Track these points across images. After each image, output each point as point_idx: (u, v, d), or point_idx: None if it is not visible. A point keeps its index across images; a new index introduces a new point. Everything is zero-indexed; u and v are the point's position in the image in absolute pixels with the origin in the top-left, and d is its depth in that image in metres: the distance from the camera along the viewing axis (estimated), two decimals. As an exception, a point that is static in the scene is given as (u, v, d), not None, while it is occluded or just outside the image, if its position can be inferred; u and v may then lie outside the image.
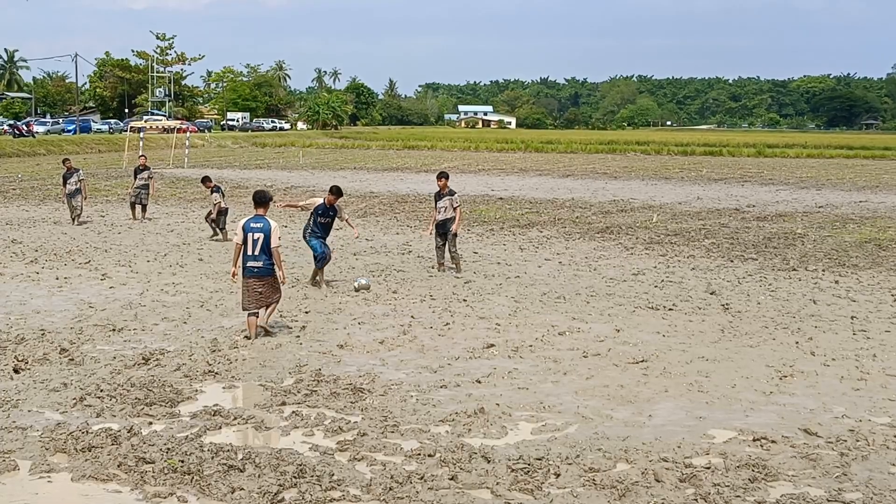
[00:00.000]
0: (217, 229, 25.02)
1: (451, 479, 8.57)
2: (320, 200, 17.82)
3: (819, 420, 10.49)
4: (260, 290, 13.86)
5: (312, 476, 8.53)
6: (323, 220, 17.84)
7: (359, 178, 49.97)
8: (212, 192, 25.68)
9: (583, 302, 16.98)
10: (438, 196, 19.80)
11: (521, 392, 11.44)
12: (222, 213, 25.14)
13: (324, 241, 17.78)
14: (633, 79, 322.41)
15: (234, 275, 14.26)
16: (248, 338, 13.77)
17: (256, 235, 13.74)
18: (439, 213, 19.69)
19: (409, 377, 12.01)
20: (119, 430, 9.65)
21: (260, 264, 13.80)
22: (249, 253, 13.80)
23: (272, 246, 13.77)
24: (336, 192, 17.89)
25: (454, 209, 19.57)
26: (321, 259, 17.76)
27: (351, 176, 52.10)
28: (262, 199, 14.24)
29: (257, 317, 13.89)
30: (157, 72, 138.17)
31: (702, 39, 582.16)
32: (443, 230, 19.68)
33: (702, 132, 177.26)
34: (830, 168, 66.13)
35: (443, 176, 19.97)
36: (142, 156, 31.79)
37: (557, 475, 8.70)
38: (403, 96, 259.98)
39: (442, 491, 8.30)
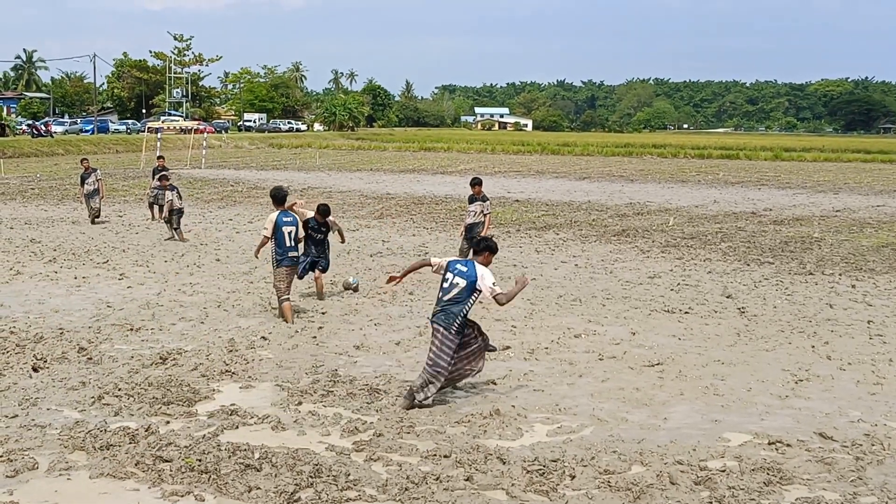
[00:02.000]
0: (172, 230, 25.05)
1: (467, 479, 8.61)
2: (311, 214, 17.14)
3: (834, 424, 10.49)
4: (294, 276, 15.58)
5: (329, 476, 8.57)
6: (315, 235, 16.75)
7: (375, 180, 50.05)
8: (166, 190, 25.63)
9: (599, 305, 16.99)
10: (472, 200, 19.86)
11: (537, 394, 11.47)
12: (175, 212, 25.08)
13: (309, 257, 16.93)
14: (650, 81, 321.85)
15: (256, 254, 16.34)
16: (286, 322, 15.02)
17: (289, 228, 15.18)
18: (469, 216, 19.75)
19: (425, 378, 12.04)
20: (137, 429, 9.71)
21: (297, 254, 15.51)
22: (288, 244, 15.18)
23: (301, 236, 15.60)
24: (323, 212, 16.78)
25: (484, 215, 19.59)
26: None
27: (367, 177, 52.19)
28: (283, 197, 15.49)
29: (291, 302, 15.27)
30: (175, 72, 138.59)
31: (719, 42, 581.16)
32: (470, 234, 19.70)
33: (719, 135, 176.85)
34: (848, 172, 65.92)
35: (476, 182, 20.04)
36: (160, 157, 31.94)
37: (573, 477, 8.72)
38: (420, 98, 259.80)
39: (457, 492, 8.33)
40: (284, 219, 15.23)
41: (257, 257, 16.61)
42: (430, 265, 11.29)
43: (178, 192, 25.61)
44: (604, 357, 13.24)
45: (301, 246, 15.92)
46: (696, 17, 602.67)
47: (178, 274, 19.43)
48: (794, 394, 11.67)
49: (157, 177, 28.68)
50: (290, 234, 15.18)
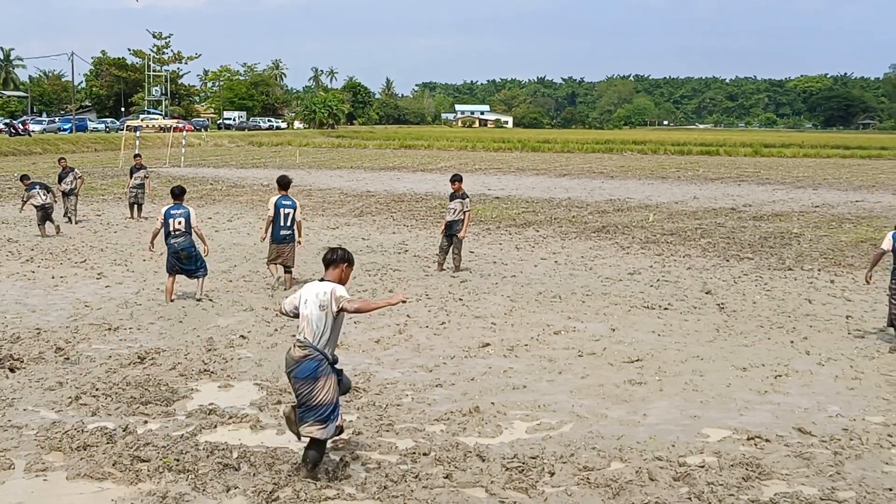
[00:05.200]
0: (39, 226, 25.19)
1: (446, 477, 8.59)
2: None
3: (813, 419, 10.52)
4: (287, 252, 17.55)
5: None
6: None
7: (355, 178, 49.96)
8: (28, 189, 25.65)
9: (578, 301, 17.00)
10: (452, 197, 19.83)
11: (517, 391, 11.46)
12: (41, 209, 25.17)
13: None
14: (630, 78, 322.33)
15: (263, 238, 18.34)
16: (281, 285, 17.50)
17: (287, 211, 17.42)
18: (449, 213, 19.71)
19: (405, 376, 12.04)
20: (114, 429, 9.66)
21: (290, 233, 17.52)
22: (282, 224, 17.38)
23: (298, 220, 17.66)
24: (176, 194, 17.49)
25: (464, 213, 19.56)
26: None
27: (347, 175, 52.09)
28: (287, 183, 17.80)
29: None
30: (154, 70, 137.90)
31: (699, 39, 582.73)
32: (450, 231, 19.67)
33: (699, 132, 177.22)
34: (827, 168, 66.20)
35: (456, 179, 19.99)
36: (137, 155, 31.81)
37: (552, 474, 8.72)
38: (400, 95, 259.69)
39: (436, 490, 8.31)
40: (284, 202, 17.49)
41: (266, 233, 17.95)
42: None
43: (45, 189, 25.57)
44: (583, 353, 13.24)
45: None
46: (676, 14, 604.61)
47: (157, 273, 19.32)
48: (773, 389, 11.71)
49: (20, 177, 28.83)
50: (286, 215, 17.44)
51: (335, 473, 8.56)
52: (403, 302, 8.66)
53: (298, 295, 8.75)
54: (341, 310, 8.45)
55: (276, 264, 17.84)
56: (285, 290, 17.34)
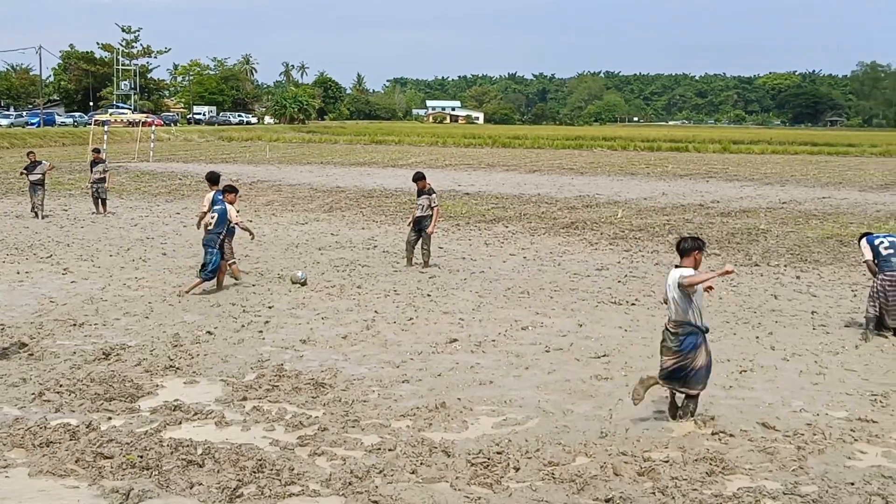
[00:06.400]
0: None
1: (411, 473, 8.58)
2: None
3: (777, 414, 10.59)
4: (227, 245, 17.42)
5: (272, 471, 8.52)
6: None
7: (325, 173, 49.85)
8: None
9: (546, 297, 17.04)
10: (419, 194, 19.80)
11: (483, 387, 11.47)
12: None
13: None
14: (601, 75, 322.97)
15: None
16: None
17: (218, 206, 17.25)
18: (417, 210, 19.68)
19: (372, 372, 12.02)
20: (78, 426, 9.59)
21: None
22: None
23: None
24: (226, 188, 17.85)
25: (432, 208, 19.53)
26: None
27: (317, 170, 51.97)
28: (218, 178, 18.30)
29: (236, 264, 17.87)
30: (123, 65, 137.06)
31: (668, 36, 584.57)
32: (419, 227, 19.66)
33: (668, 128, 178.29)
34: (795, 164, 66.64)
35: (419, 177, 19.97)
36: (95, 149, 31.55)
37: (517, 469, 8.73)
38: (371, 91, 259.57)
39: (401, 485, 8.31)
40: (219, 197, 17.49)
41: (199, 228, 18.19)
42: None
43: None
44: (550, 349, 13.27)
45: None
46: (645, 11, 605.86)
47: (124, 268, 19.22)
48: (737, 384, 11.77)
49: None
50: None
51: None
52: (729, 273, 10.15)
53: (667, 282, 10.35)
54: (680, 286, 9.95)
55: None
56: (236, 281, 17.71)
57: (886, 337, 14.26)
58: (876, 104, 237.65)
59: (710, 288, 10.46)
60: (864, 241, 14.79)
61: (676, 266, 10.30)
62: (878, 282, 14.27)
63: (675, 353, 10.09)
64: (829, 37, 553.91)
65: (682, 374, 10.07)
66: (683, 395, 10.27)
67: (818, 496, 8.26)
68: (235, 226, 17.10)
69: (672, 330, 10.16)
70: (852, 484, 8.52)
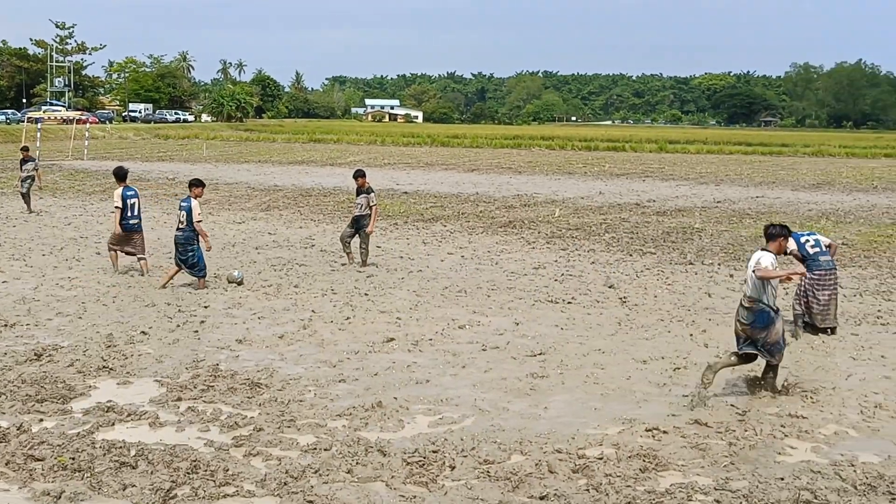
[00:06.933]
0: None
1: (347, 472, 8.58)
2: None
3: (710, 411, 10.72)
4: (137, 240, 18.50)
5: (206, 472, 8.46)
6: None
7: (263, 172, 49.56)
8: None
9: (484, 296, 17.10)
10: (358, 192, 19.75)
11: (420, 386, 11.50)
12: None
13: None
14: (539, 74, 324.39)
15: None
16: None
17: (132, 201, 18.44)
18: (356, 209, 19.63)
19: (308, 372, 11.99)
20: (8, 428, 9.45)
21: (138, 221, 18.60)
22: (130, 214, 18.32)
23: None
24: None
25: (370, 207, 19.49)
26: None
27: (255, 169, 51.64)
28: (125, 174, 18.69)
29: (117, 254, 18.57)
30: (57, 61, 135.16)
31: (606, 36, 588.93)
32: (357, 225, 19.62)
33: (606, 128, 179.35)
34: (729, 164, 67.43)
35: (359, 175, 19.89)
36: (24, 147, 30.99)
37: (452, 468, 8.76)
38: (310, 89, 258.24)
39: (337, 484, 8.30)
40: (128, 193, 18.42)
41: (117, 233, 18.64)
42: None
43: None
44: (487, 348, 13.33)
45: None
46: (583, 11, 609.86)
47: (57, 268, 18.96)
48: (671, 381, 11.91)
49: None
50: (132, 205, 18.40)
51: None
52: (799, 274, 12.10)
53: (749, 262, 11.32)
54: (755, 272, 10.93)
55: (118, 251, 18.55)
56: (142, 275, 18.04)
57: (817, 334, 14.53)
58: (809, 105, 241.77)
59: (788, 279, 11.94)
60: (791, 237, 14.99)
61: (762, 249, 11.27)
62: (807, 281, 14.52)
63: (746, 327, 11.09)
64: (764, 38, 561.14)
65: (758, 346, 11.13)
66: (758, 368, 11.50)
67: (749, 491, 8.38)
68: (198, 225, 16.96)
69: (746, 305, 11.09)
70: (782, 479, 8.66)
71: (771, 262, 10.95)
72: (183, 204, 17.09)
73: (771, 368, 11.34)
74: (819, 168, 63.74)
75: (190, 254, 16.91)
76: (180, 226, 17.01)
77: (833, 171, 60.57)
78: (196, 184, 17.47)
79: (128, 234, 18.40)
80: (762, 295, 10.94)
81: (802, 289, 14.60)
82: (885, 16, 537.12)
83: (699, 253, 22.96)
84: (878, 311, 16.51)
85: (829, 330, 14.67)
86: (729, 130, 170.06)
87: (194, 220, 16.84)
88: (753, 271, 10.96)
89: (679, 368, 12.49)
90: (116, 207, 18.31)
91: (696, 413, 10.58)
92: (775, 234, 11.37)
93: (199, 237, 16.98)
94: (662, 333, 14.49)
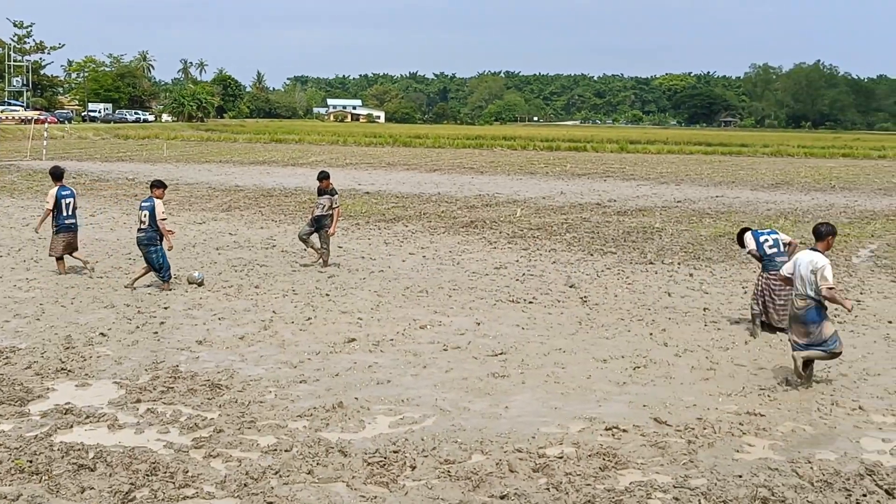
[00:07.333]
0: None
1: (308, 473, 8.56)
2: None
3: (669, 409, 10.80)
4: (72, 239, 18.37)
5: (166, 474, 8.42)
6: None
7: (224, 172, 49.30)
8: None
9: (445, 296, 17.12)
10: (320, 192, 19.68)
11: (381, 386, 11.49)
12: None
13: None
14: (501, 74, 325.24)
15: (37, 230, 19.76)
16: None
17: (68, 200, 18.39)
18: (317, 209, 19.56)
19: (269, 373, 11.95)
20: (-36, 431, 9.36)
21: (74, 221, 18.51)
22: (66, 214, 18.23)
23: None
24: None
25: (332, 208, 19.44)
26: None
27: (216, 169, 51.37)
28: (62, 173, 18.92)
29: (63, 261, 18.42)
30: (15, 61, 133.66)
31: (568, 37, 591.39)
32: (317, 225, 19.56)
33: (567, 128, 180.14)
34: (690, 164, 67.87)
35: (323, 176, 19.82)
36: None
37: (413, 468, 8.77)
38: (272, 89, 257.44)
39: (297, 485, 8.28)
40: (63, 192, 18.38)
41: (37, 232, 19.85)
42: None
43: None
44: (448, 348, 13.34)
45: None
46: (546, 12, 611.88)
47: (14, 269, 18.77)
48: (631, 380, 11.98)
49: None
50: (68, 205, 18.30)
51: None
52: (848, 309, 12.20)
53: (795, 259, 11.98)
54: (818, 289, 11.54)
55: (61, 256, 18.33)
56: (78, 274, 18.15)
57: (775, 332, 14.67)
58: (768, 105, 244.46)
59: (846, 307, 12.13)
60: (748, 234, 15.16)
61: (812, 249, 11.93)
62: (763, 280, 14.69)
63: (801, 324, 11.75)
64: (724, 39, 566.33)
65: (814, 343, 11.68)
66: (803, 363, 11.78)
67: (707, 489, 8.46)
68: (161, 224, 16.83)
69: (798, 304, 11.77)
70: (740, 476, 8.75)
71: (832, 275, 11.68)
72: (144, 204, 16.97)
73: (809, 364, 11.88)
74: (778, 168, 64.32)
75: (153, 255, 16.80)
76: (141, 226, 16.87)
77: (792, 170, 61.13)
78: (158, 185, 17.35)
79: (66, 235, 18.26)
80: (812, 291, 11.59)
81: (760, 288, 14.75)
82: (843, 17, 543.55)
83: (659, 252, 23.10)
84: (835, 309, 16.64)
85: (787, 329, 14.82)
86: (689, 130, 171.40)
87: (158, 217, 16.70)
88: (812, 272, 11.53)
89: (639, 367, 12.57)
90: (47, 207, 18.34)
91: (655, 412, 10.65)
92: (825, 232, 11.94)
93: (163, 237, 16.86)
94: (623, 333, 14.57)
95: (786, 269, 12.21)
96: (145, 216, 16.79)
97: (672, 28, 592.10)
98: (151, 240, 16.76)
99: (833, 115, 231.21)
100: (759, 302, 14.74)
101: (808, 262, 11.67)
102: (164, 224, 16.88)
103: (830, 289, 11.47)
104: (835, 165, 68.88)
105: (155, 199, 16.89)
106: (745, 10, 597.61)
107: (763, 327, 14.75)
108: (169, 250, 17.12)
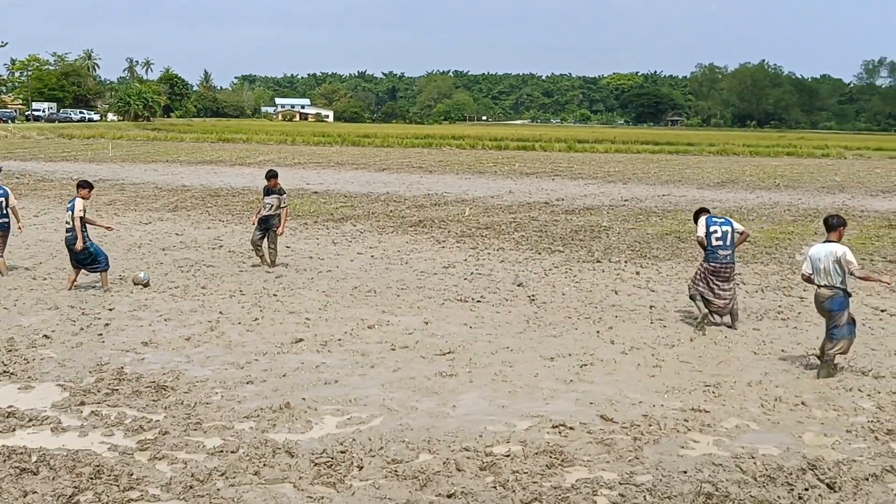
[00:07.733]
0: None
1: (254, 474, 8.54)
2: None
3: (616, 406, 10.89)
4: (2, 238, 18.18)
5: (110, 476, 8.35)
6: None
7: (171, 172, 48.85)
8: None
9: (393, 295, 17.11)
10: (267, 192, 19.53)
11: (328, 386, 11.47)
12: None
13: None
14: (450, 74, 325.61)
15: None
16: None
17: (1, 200, 18.26)
18: (264, 209, 19.42)
19: (215, 374, 11.88)
20: None
21: (7, 220, 18.33)
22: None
23: (13, 205, 18.62)
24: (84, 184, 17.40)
25: (280, 208, 19.34)
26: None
27: (162, 169, 50.89)
28: None
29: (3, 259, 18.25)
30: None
31: (516, 36, 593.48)
32: (265, 225, 19.43)
33: (516, 127, 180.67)
34: (637, 163, 68.28)
35: (272, 175, 19.69)
36: None
37: (360, 468, 8.77)
38: (219, 88, 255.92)
39: (244, 487, 8.25)
40: None
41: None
42: None
43: None
44: (396, 347, 13.35)
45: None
46: (494, 11, 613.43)
47: (-45, 271, 18.49)
48: (578, 378, 12.06)
49: None
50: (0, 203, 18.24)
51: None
52: (886, 283, 13.90)
53: (810, 256, 12.47)
54: (850, 273, 12.19)
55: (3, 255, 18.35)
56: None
57: (718, 325, 14.85)
58: (714, 104, 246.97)
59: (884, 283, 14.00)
60: (702, 218, 15.21)
61: (826, 241, 12.52)
62: (704, 267, 14.91)
63: (828, 314, 12.39)
64: (670, 39, 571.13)
65: (830, 331, 12.41)
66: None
67: (652, 485, 8.54)
68: (70, 222, 16.63)
69: (823, 294, 12.33)
70: (685, 472, 8.85)
71: (858, 266, 12.38)
72: (69, 205, 16.82)
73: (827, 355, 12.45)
74: (724, 167, 64.91)
75: (84, 254, 16.61)
76: (68, 227, 16.69)
77: (737, 169, 61.75)
78: (83, 185, 17.17)
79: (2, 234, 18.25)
80: (840, 282, 12.21)
81: (701, 273, 14.94)
82: (788, 18, 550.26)
83: (606, 251, 23.25)
84: (780, 306, 16.91)
85: (731, 325, 15.03)
86: (636, 130, 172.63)
87: (75, 214, 16.49)
88: (836, 262, 12.11)
89: (585, 365, 12.65)
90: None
91: (601, 409, 10.73)
92: (836, 223, 12.57)
93: (87, 232, 16.71)
94: (570, 331, 14.66)
95: (804, 269, 12.60)
96: (70, 216, 16.62)
97: (619, 28, 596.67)
98: (77, 239, 16.53)
99: (778, 114, 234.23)
100: (699, 286, 14.92)
101: (827, 253, 12.22)
102: (77, 218, 16.57)
103: (861, 269, 12.47)
104: (779, 164, 69.66)
105: (77, 199, 16.73)
106: (692, 10, 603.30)
107: (705, 320, 14.86)
108: (78, 250, 16.74)
